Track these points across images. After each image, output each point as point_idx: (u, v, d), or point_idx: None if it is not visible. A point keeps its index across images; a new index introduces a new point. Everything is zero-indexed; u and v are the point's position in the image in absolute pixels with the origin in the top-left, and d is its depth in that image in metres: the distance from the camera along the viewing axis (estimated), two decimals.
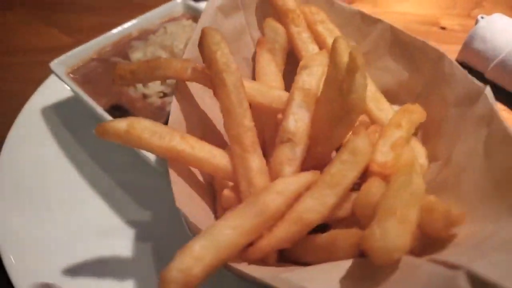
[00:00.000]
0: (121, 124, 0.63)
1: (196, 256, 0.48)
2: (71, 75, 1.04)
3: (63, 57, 1.06)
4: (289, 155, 0.65)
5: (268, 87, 0.75)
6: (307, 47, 0.80)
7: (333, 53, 0.62)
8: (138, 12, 1.34)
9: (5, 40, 1.45)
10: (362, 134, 0.61)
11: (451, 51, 1.24)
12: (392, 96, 0.80)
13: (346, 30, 0.84)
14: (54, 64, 1.04)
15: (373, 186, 0.56)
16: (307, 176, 0.61)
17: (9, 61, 1.35)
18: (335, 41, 0.62)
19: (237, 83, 0.68)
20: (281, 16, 0.83)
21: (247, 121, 0.67)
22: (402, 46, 0.78)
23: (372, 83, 0.78)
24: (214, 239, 0.50)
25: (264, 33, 0.85)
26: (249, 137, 0.66)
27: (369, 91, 0.76)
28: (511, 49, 1.08)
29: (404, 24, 1.48)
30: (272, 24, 0.83)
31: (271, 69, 0.79)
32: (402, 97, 0.80)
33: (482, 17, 1.19)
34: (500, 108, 1.11)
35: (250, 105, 0.71)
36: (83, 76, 1.04)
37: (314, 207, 0.57)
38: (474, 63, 1.18)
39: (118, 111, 0.95)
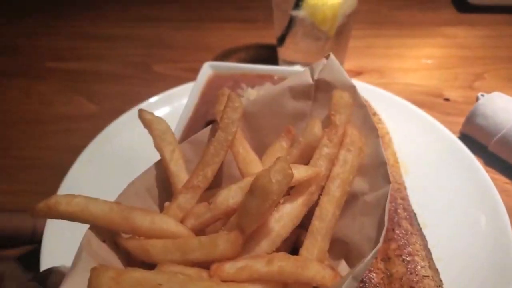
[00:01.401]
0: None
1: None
2: (208, 78, 1.21)
3: (216, 63, 1.24)
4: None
5: (256, 160, 0.83)
6: (317, 163, 0.78)
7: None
8: (157, 80, 1.47)
9: (39, 109, 1.58)
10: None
11: (456, 123, 1.35)
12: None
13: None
14: (207, 64, 1.23)
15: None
16: None
17: (43, 130, 1.48)
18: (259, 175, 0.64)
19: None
20: (327, 125, 0.81)
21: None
22: None
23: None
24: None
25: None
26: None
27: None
28: (511, 125, 1.19)
29: (409, 95, 1.51)
30: (316, 126, 0.81)
31: (278, 154, 0.84)
32: None
33: (482, 95, 1.31)
34: (503, 181, 1.19)
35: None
36: (212, 85, 1.19)
37: None
38: (477, 137, 1.31)
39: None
